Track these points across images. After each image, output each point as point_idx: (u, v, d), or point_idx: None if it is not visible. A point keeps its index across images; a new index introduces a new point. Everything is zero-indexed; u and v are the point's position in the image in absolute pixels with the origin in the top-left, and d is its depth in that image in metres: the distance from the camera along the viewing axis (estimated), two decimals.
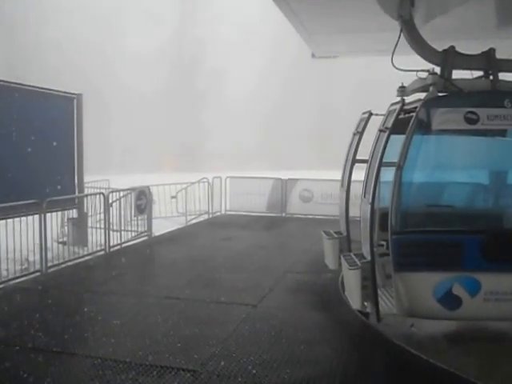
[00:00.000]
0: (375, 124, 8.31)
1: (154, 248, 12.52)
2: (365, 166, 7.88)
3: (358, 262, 6.89)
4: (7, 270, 9.61)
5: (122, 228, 12.85)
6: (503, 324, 7.30)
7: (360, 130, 8.72)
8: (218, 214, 18.60)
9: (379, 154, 6.87)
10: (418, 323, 7.30)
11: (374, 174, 6.87)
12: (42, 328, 6.80)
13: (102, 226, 12.28)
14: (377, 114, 8.48)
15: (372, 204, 6.81)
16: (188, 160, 50.47)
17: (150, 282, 9.30)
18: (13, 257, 9.89)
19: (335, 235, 8.95)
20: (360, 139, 8.66)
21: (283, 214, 18.22)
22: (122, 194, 12.91)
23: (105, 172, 25.14)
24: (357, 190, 8.58)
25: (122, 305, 7.87)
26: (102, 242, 12.05)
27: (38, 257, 10.25)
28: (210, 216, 18.06)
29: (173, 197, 17.06)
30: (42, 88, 12.00)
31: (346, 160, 9.04)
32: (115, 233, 12.36)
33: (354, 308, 7.13)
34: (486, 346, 6.68)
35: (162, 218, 16.58)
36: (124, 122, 50.80)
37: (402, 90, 8.02)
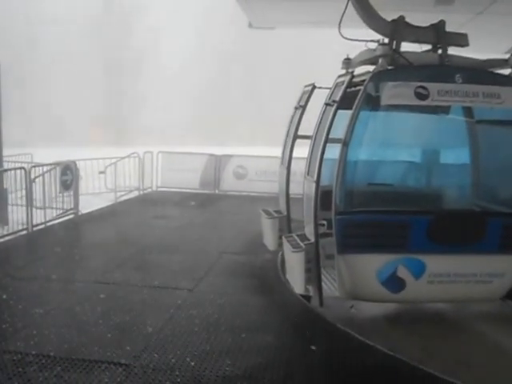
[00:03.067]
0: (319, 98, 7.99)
1: (81, 227, 11.84)
2: (305, 141, 7.62)
3: (302, 244, 6.55)
4: None
5: (47, 205, 12.03)
6: (441, 305, 7.28)
7: (302, 103, 8.33)
8: (150, 190, 17.90)
9: (325, 130, 6.51)
10: (358, 305, 7.10)
11: (320, 150, 6.51)
12: None
13: (23, 203, 11.49)
14: (320, 87, 8.14)
15: (317, 183, 6.46)
16: (117, 134, 49.09)
17: (77, 265, 8.61)
18: None
19: (275, 214, 8.56)
20: (302, 114, 8.26)
21: (216, 191, 17.72)
22: (45, 168, 12.07)
23: (28, 145, 23.88)
24: (297, 167, 8.30)
25: (45, 291, 7.19)
26: (23, 220, 11.24)
27: None
28: (141, 193, 17.38)
29: (101, 172, 16.22)
30: None
31: (287, 136, 8.65)
32: (39, 211, 11.54)
33: (297, 292, 6.78)
34: (426, 327, 6.58)
35: (90, 195, 15.73)
36: (49, 90, 48.70)
37: (348, 62, 7.66)
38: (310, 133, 7.41)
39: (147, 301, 6.93)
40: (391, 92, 6.43)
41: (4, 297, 6.89)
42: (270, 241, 8.63)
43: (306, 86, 8.62)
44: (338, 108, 6.52)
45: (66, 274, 8.06)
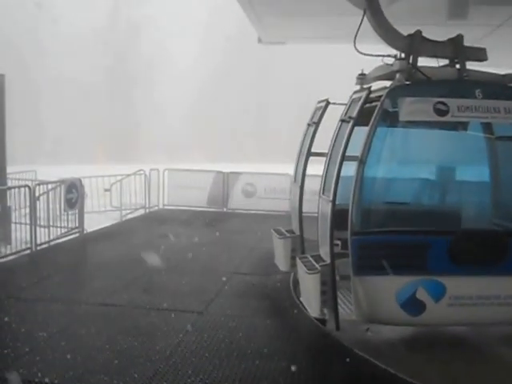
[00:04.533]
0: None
1: (87, 246, 11.56)
2: (317, 158, 7.42)
3: (317, 266, 6.29)
4: None
5: (51, 224, 11.77)
6: (460, 328, 6.95)
7: (316, 120, 8.11)
8: (156, 208, 17.66)
9: (342, 147, 6.28)
10: (374, 328, 6.79)
11: (336, 168, 6.27)
12: None
13: (27, 221, 11.23)
14: (334, 103, 7.94)
15: (333, 202, 6.22)
16: (122, 150, 49.08)
17: (83, 285, 8.34)
18: None
19: (287, 234, 8.30)
20: (316, 130, 8.04)
21: (225, 209, 17.48)
22: (50, 186, 11.82)
23: (33, 162, 23.75)
24: (309, 184, 8.06)
25: (49, 313, 6.91)
26: (27, 239, 10.96)
27: None
28: (147, 211, 17.13)
29: (106, 190, 16.06)
30: None
31: (300, 153, 8.46)
32: (43, 229, 11.28)
33: (313, 316, 6.50)
34: (445, 351, 6.29)
35: (95, 213, 15.50)
36: (55, 108, 48.83)
37: (362, 78, 7.51)
38: (322, 149, 7.23)
39: (155, 324, 6.64)
40: (410, 108, 6.20)
41: (6, 319, 6.61)
42: (282, 261, 8.36)
43: (319, 102, 8.43)
44: (355, 124, 6.30)
45: (71, 295, 7.80)
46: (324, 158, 7.91)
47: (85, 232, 12.74)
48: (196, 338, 6.22)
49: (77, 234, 12.43)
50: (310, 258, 6.70)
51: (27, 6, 49.01)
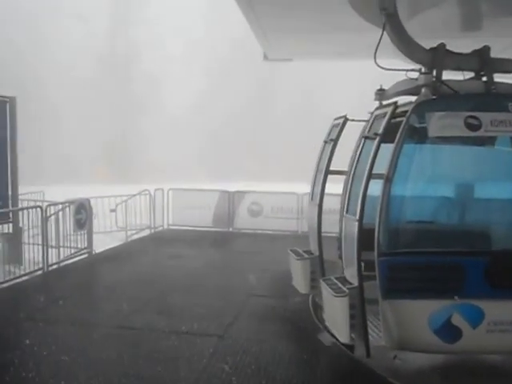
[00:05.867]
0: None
1: (97, 267, 11.40)
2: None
3: (345, 288, 6.07)
4: None
5: (61, 244, 11.58)
6: (498, 356, 6.60)
7: (333, 137, 7.92)
8: (161, 228, 17.48)
9: (368, 165, 6.10)
10: (402, 354, 6.44)
11: (362, 187, 6.08)
12: None
13: (37, 241, 11.16)
14: (353, 120, 7.79)
15: (360, 221, 6.01)
16: (124, 170, 48.92)
17: (97, 307, 8.21)
18: None
19: (305, 255, 8.09)
20: (334, 148, 7.85)
21: (230, 229, 17.27)
22: (60, 207, 11.65)
23: (37, 182, 23.53)
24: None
25: (68, 336, 6.76)
26: (38, 259, 10.82)
27: None
28: (153, 231, 16.94)
29: (112, 210, 15.89)
30: None
31: (317, 171, 8.23)
32: (53, 250, 11.10)
33: (342, 341, 6.25)
34: (481, 381, 6.01)
35: (101, 233, 15.30)
36: (55, 128, 48.76)
37: (381, 93, 7.37)
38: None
39: (177, 349, 6.46)
40: (439, 123, 6.02)
41: (27, 342, 6.47)
42: (300, 283, 8.12)
43: (335, 119, 8.26)
44: (381, 141, 6.13)
45: (87, 317, 7.64)
46: (340, 176, 7.91)
47: (93, 252, 12.56)
48: (220, 363, 6.04)
49: (86, 255, 12.26)
50: (335, 280, 6.49)
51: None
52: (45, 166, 45.14)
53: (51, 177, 38.50)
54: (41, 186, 19.19)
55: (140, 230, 16.66)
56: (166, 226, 17.68)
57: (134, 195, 16.58)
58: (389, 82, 7.35)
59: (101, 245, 13.55)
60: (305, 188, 17.48)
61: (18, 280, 9.87)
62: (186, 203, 17.46)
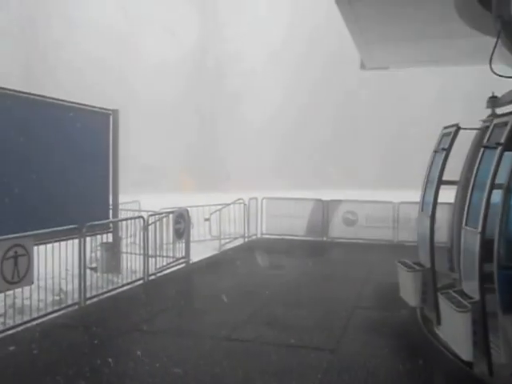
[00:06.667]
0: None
1: (196, 277, 11.45)
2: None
3: (466, 303, 5.79)
4: (41, 300, 8.67)
5: (158, 254, 11.75)
6: None
7: (444, 146, 7.64)
8: (254, 237, 17.50)
9: (490, 175, 5.81)
10: None
11: (485, 198, 5.80)
12: (93, 378, 5.76)
13: (132, 250, 11.49)
14: (465, 128, 7.49)
15: (482, 234, 5.72)
16: (207, 179, 49.73)
17: (203, 318, 8.14)
18: (44, 285, 8.81)
19: (416, 267, 7.82)
20: (446, 157, 7.56)
21: (324, 238, 17.07)
22: (158, 217, 11.82)
23: (123, 191, 24.18)
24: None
25: (178, 348, 6.72)
26: (135, 268, 11.02)
27: (70, 286, 9.27)
28: (246, 240, 16.97)
29: (206, 219, 16.04)
30: (78, 103, 11.04)
31: (428, 181, 7.99)
32: (151, 259, 11.24)
33: (463, 359, 5.96)
34: None
35: (195, 242, 15.44)
36: (141, 139, 50.20)
37: (494, 101, 7.04)
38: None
39: (289, 363, 6.29)
40: None
41: (138, 353, 6.48)
42: (411, 296, 7.85)
43: (445, 128, 8.01)
44: (504, 151, 5.83)
45: (195, 328, 7.63)
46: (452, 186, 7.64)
47: (190, 262, 12.69)
48: (336, 379, 5.85)
49: (183, 264, 12.38)
50: (454, 294, 6.22)
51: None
52: (129, 177, 46.54)
53: (135, 187, 39.56)
54: (125, 196, 19.64)
55: (233, 239, 16.73)
56: (259, 235, 17.70)
57: (229, 204, 16.66)
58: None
59: (194, 253, 13.65)
60: (400, 196, 17.23)
61: (121, 289, 10.02)
62: (279, 212, 17.46)
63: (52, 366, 6.11)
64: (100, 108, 11.81)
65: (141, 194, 27.09)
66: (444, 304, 6.23)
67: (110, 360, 6.25)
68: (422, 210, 8.05)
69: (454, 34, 9.58)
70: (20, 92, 9.75)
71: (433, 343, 6.99)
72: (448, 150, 7.59)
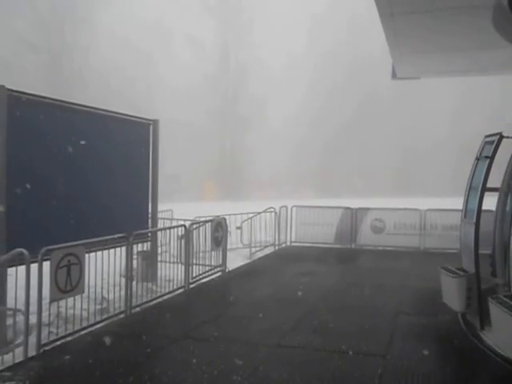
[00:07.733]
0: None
1: (234, 284, 11.56)
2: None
3: None
4: (85, 309, 8.75)
5: (195, 262, 11.93)
6: None
7: (488, 154, 7.78)
8: (284, 245, 17.66)
9: None
10: None
11: None
12: None
13: (165, 259, 11.83)
14: (508, 137, 7.64)
15: None
16: (232, 187, 50.01)
17: (249, 325, 8.26)
18: (87, 294, 9.01)
19: (460, 272, 7.96)
20: (490, 165, 7.70)
21: (352, 246, 17.22)
22: (196, 225, 12.02)
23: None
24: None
25: (232, 355, 6.83)
26: (170, 276, 11.23)
27: (112, 295, 9.60)
28: (276, 248, 17.13)
29: (238, 227, 16.30)
30: (120, 114, 11.31)
31: (470, 188, 8.15)
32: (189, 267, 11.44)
33: None
34: None
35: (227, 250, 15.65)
36: (167, 149, 50.75)
37: None
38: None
39: (344, 369, 6.39)
40: None
41: (194, 361, 6.62)
42: (454, 301, 7.98)
43: (487, 136, 8.16)
44: None
45: (244, 335, 7.75)
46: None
47: (226, 270, 12.86)
48: None
49: (220, 272, 12.56)
50: (506, 299, 6.34)
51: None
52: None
53: (163, 196, 40.05)
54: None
55: (264, 247, 16.90)
56: (288, 243, 17.85)
57: (260, 213, 16.87)
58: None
59: (228, 262, 13.83)
60: (420, 203, 17.38)
61: (161, 298, 10.19)
62: (308, 220, 17.66)
63: (110, 375, 6.23)
64: (141, 118, 12.06)
65: (169, 202, 27.39)
66: (496, 309, 6.34)
67: (167, 368, 6.41)
68: (465, 217, 8.18)
69: (486, 46, 9.73)
70: (76, 104, 10.05)
71: (479, 347, 7.09)
72: (492, 158, 7.73)
